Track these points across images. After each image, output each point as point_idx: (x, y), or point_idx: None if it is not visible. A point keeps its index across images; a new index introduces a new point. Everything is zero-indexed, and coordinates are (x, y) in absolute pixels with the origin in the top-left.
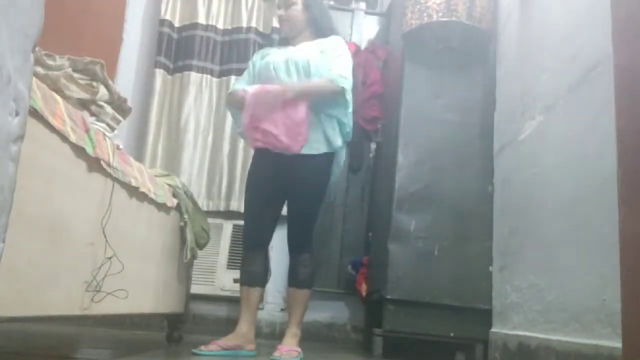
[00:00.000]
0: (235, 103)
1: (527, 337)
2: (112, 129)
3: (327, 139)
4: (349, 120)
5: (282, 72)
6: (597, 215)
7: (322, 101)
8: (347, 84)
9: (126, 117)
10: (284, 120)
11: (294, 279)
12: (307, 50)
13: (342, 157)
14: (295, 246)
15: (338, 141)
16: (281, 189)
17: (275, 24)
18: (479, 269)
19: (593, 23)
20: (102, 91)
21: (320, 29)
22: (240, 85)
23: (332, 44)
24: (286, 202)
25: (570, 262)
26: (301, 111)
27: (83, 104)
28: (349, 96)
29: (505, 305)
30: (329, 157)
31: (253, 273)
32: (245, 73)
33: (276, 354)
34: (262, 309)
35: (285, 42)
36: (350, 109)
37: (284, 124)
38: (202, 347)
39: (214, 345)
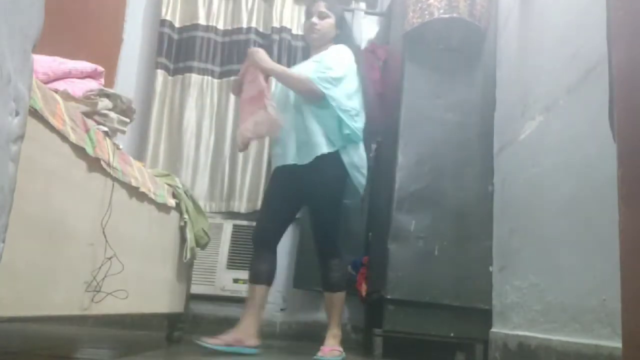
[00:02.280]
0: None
1: (527, 337)
2: (122, 132)
3: (320, 141)
4: (348, 121)
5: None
6: (597, 215)
7: (309, 103)
8: (332, 90)
9: (132, 118)
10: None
11: (327, 284)
12: (309, 63)
13: (353, 157)
14: (323, 252)
15: (336, 142)
16: (296, 196)
17: (276, 24)
18: (479, 269)
19: (593, 23)
20: (105, 102)
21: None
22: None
23: (330, 51)
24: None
25: (570, 262)
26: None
27: (86, 115)
28: (334, 102)
29: (505, 305)
30: (331, 159)
31: (259, 271)
32: None
33: (319, 354)
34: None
35: (307, 53)
36: (351, 111)
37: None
38: (206, 339)
39: (217, 339)
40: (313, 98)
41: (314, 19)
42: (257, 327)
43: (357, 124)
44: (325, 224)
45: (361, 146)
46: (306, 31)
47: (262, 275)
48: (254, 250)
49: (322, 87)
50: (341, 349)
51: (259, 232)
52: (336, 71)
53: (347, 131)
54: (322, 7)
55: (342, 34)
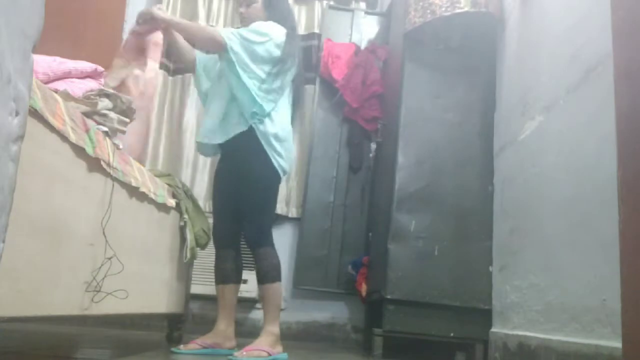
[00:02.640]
0: None
1: (527, 337)
2: (122, 132)
3: (235, 119)
4: (253, 89)
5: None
6: (597, 215)
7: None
8: (234, 42)
9: (132, 118)
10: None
11: (257, 275)
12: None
13: (268, 131)
14: (249, 240)
15: (242, 123)
16: (229, 185)
17: None
18: (479, 269)
19: (593, 23)
20: (105, 102)
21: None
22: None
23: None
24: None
25: (570, 262)
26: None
27: (86, 115)
28: (234, 56)
29: (505, 305)
30: (245, 137)
31: (225, 270)
32: None
33: (236, 353)
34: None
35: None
36: (253, 76)
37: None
38: (182, 346)
39: (193, 344)
40: (214, 47)
41: (241, 8)
42: (233, 328)
43: (266, 102)
44: (249, 209)
45: (281, 118)
46: (240, 23)
47: (229, 275)
48: (216, 251)
49: (225, 36)
50: (270, 350)
51: (216, 233)
52: (250, 32)
53: (253, 108)
54: None
55: (275, 14)
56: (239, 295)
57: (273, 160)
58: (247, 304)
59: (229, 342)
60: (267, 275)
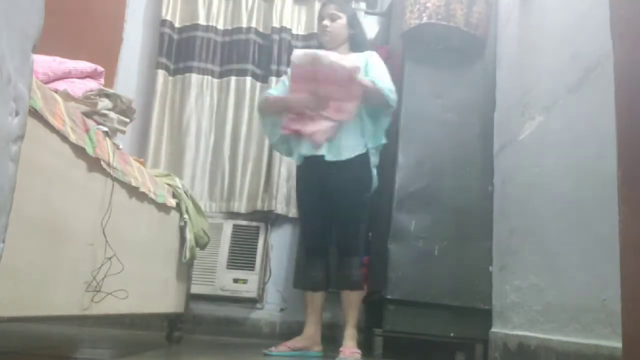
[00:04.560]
0: (273, 108)
1: (527, 337)
2: (122, 132)
3: (356, 142)
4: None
5: None
6: (597, 215)
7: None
8: (395, 101)
9: (132, 118)
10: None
11: (346, 282)
12: (350, 60)
13: (376, 159)
14: (344, 249)
15: (368, 142)
16: (327, 195)
17: (276, 24)
18: (479, 269)
19: (593, 23)
20: (105, 102)
21: (357, 44)
22: (275, 92)
23: (375, 57)
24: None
25: (570, 262)
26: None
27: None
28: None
29: (505, 305)
30: (361, 158)
31: (316, 278)
32: (281, 82)
33: (341, 355)
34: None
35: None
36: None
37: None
38: (272, 349)
39: (283, 347)
40: (381, 106)
41: (325, 22)
42: (320, 333)
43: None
44: (350, 222)
45: None
46: (319, 34)
47: (319, 283)
48: (306, 258)
49: (392, 100)
50: (359, 351)
51: (306, 240)
52: (389, 80)
53: (384, 141)
54: (332, 9)
55: (356, 33)
56: (239, 295)
57: (374, 180)
58: (247, 304)
59: (317, 346)
60: (357, 282)
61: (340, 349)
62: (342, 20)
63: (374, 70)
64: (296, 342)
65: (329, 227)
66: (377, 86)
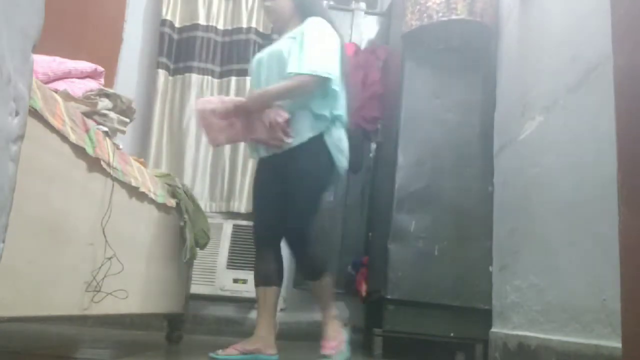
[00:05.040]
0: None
1: (527, 337)
2: (122, 132)
3: (304, 125)
4: (322, 111)
5: (264, 67)
6: (596, 216)
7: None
8: (326, 72)
9: (132, 118)
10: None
11: (313, 273)
12: (284, 40)
13: (335, 137)
14: (299, 241)
15: (307, 133)
16: (280, 188)
17: None
18: (479, 269)
19: (593, 24)
20: (105, 102)
21: (307, 12)
22: (253, 87)
23: (305, 26)
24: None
25: (570, 262)
26: (281, 115)
27: (86, 115)
28: (337, 87)
29: (505, 305)
30: (314, 143)
31: (267, 271)
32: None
33: (323, 351)
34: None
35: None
36: (337, 99)
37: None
38: (220, 351)
39: (232, 350)
40: (314, 90)
41: (267, 2)
42: (274, 334)
43: (327, 112)
44: (301, 213)
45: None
46: (265, 16)
47: (272, 276)
48: (256, 251)
49: (320, 76)
50: (342, 339)
51: (257, 232)
52: (316, 55)
53: (339, 111)
54: None
55: (303, 6)
56: (239, 295)
57: (338, 162)
58: (247, 304)
59: (270, 349)
60: (322, 270)
61: (321, 342)
62: None
63: (294, 53)
64: (246, 345)
65: (281, 218)
66: (291, 84)
